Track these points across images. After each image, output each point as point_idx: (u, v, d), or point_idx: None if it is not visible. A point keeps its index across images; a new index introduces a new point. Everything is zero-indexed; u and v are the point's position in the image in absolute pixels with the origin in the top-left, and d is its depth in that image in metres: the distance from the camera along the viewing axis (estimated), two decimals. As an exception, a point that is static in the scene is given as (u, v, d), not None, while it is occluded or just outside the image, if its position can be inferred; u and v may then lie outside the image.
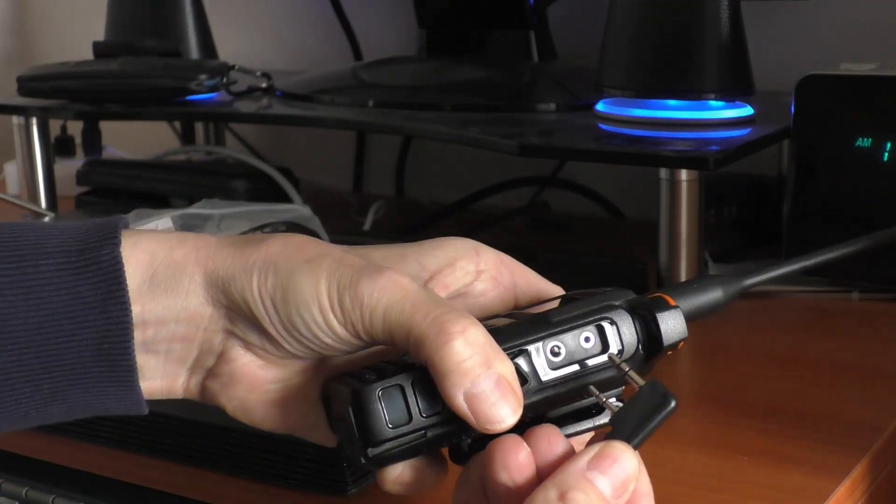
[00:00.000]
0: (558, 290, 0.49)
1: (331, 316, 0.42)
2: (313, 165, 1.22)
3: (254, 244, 0.44)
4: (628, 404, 0.42)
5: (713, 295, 0.48)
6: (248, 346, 0.45)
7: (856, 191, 0.78)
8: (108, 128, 1.20)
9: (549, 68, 1.03)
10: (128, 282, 0.43)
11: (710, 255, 0.83)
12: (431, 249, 0.47)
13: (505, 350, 0.42)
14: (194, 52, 1.14)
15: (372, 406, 0.41)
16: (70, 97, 1.01)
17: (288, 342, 0.44)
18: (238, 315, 0.44)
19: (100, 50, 1.06)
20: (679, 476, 0.55)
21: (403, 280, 0.42)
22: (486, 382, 0.40)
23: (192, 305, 0.44)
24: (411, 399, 0.42)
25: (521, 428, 0.42)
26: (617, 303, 0.44)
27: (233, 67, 1.02)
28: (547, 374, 0.43)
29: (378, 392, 0.41)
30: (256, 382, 0.45)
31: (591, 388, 0.44)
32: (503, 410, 0.41)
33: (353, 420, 0.42)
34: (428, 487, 0.44)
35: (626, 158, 0.80)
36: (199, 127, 1.28)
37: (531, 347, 0.43)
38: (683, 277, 0.76)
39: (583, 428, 0.46)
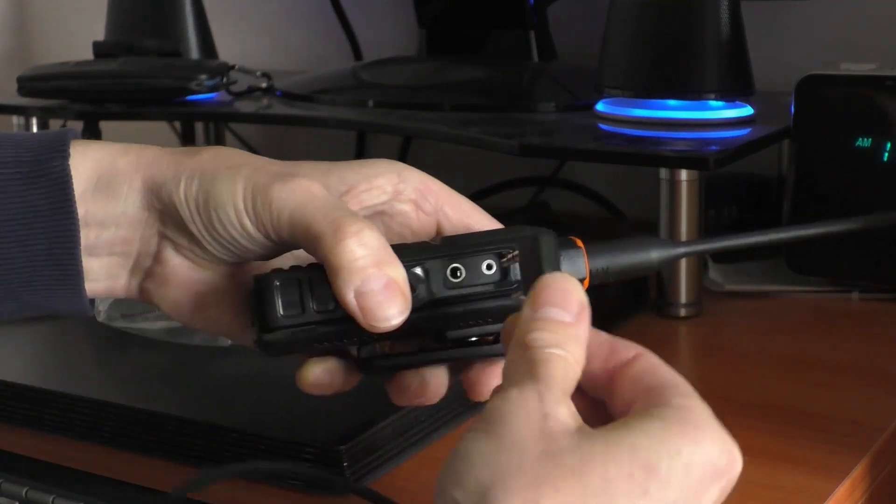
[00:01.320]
0: (493, 224, 0.50)
1: (245, 217, 0.46)
2: (313, 165, 1.22)
3: (189, 154, 0.48)
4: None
5: (643, 255, 0.48)
6: (178, 248, 0.48)
7: (856, 191, 0.78)
8: (108, 128, 1.20)
9: (549, 68, 1.03)
10: (75, 190, 0.46)
11: (710, 255, 0.83)
12: (357, 166, 0.49)
13: (403, 262, 0.44)
14: (194, 52, 1.14)
15: (268, 294, 0.45)
16: (70, 97, 1.01)
17: (210, 244, 0.47)
18: (169, 218, 0.47)
19: (100, 50, 1.06)
20: (679, 476, 0.55)
21: (313, 186, 0.45)
22: (375, 282, 0.43)
23: (131, 210, 0.47)
24: (306, 293, 0.45)
25: (418, 343, 0.46)
26: (524, 234, 0.46)
27: (233, 67, 1.02)
28: (442, 292, 0.45)
29: (275, 282, 0.45)
30: (187, 283, 0.49)
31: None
32: (390, 310, 0.43)
33: (254, 306, 0.45)
34: (340, 389, 0.48)
35: (626, 158, 0.80)
36: (199, 127, 1.28)
37: (429, 264, 0.45)
38: (683, 277, 0.76)
39: (478, 352, 0.47)
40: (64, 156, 0.46)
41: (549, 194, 1.12)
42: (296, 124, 1.02)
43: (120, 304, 0.70)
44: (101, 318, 0.70)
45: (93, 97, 1.00)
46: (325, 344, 0.46)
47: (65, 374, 0.65)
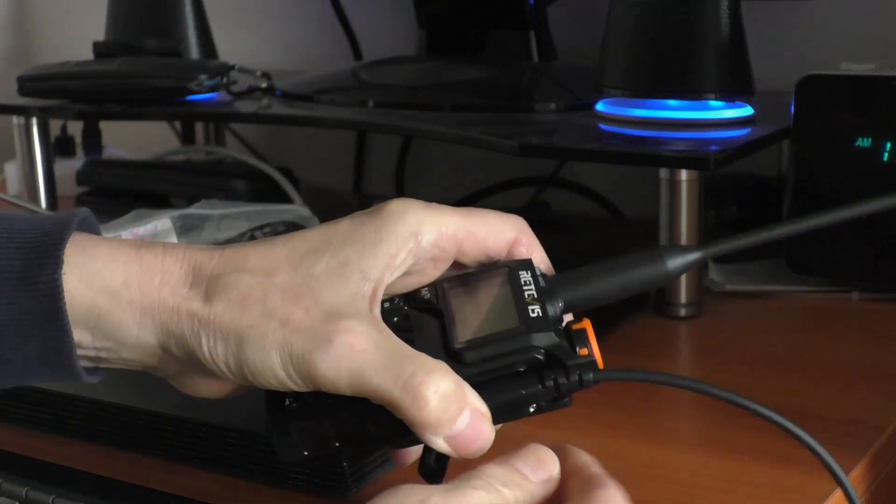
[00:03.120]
0: (505, 242, 0.48)
1: (290, 383, 0.44)
2: (313, 165, 1.22)
3: (197, 298, 0.44)
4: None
5: (658, 268, 0.48)
6: (200, 374, 0.47)
7: (856, 191, 0.78)
8: (108, 128, 1.20)
9: (549, 68, 1.03)
10: (73, 314, 0.44)
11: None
12: (372, 248, 0.45)
13: None
14: (194, 52, 1.14)
15: (286, 441, 0.46)
16: (70, 97, 1.01)
17: (244, 384, 0.46)
18: (192, 361, 0.46)
19: (100, 50, 1.06)
20: (679, 476, 0.55)
21: (356, 340, 0.43)
22: (462, 423, 0.43)
23: (143, 345, 0.45)
24: (330, 434, 0.46)
25: None
26: (540, 356, 0.45)
27: (233, 67, 1.02)
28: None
29: (295, 435, 0.46)
30: (206, 388, 0.49)
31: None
32: (480, 441, 0.43)
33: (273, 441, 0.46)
34: None
35: (626, 158, 0.80)
36: (199, 127, 1.28)
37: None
38: (684, 277, 0.76)
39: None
40: (56, 263, 0.43)
41: (549, 194, 1.12)
42: (296, 124, 1.02)
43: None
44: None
45: (93, 97, 1.00)
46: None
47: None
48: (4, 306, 0.43)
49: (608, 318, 0.72)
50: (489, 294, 0.47)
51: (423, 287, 0.48)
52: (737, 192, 0.91)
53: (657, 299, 0.77)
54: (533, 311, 0.45)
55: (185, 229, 0.82)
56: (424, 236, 0.46)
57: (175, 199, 1.00)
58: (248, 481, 0.55)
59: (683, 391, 0.66)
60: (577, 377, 0.44)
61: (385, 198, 0.49)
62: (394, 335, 0.44)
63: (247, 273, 0.44)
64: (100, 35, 1.14)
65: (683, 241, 0.75)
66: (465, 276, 0.48)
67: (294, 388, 0.44)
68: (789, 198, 0.81)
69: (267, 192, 0.99)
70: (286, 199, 0.99)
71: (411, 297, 0.47)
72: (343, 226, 0.46)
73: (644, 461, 0.56)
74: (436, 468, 0.45)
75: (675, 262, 0.48)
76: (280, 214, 0.85)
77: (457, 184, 1.15)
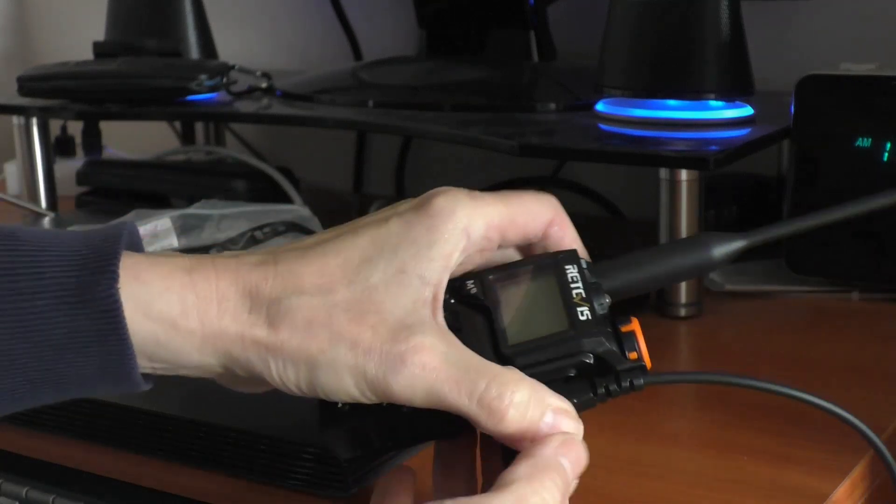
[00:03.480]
0: (543, 223, 0.48)
1: (363, 399, 0.44)
2: (313, 165, 1.22)
3: (260, 325, 0.44)
4: None
5: (704, 254, 0.48)
6: (260, 383, 0.46)
7: (856, 191, 0.78)
8: (108, 128, 1.20)
9: (549, 68, 1.03)
10: (134, 340, 0.43)
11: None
12: (427, 251, 0.44)
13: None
14: (194, 52, 1.14)
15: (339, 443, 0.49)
16: (70, 97, 1.01)
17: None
18: (256, 379, 0.46)
19: (100, 50, 1.06)
20: (679, 476, 0.55)
21: (427, 359, 0.43)
22: (545, 426, 0.43)
23: (205, 367, 0.45)
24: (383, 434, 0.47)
25: None
26: (590, 361, 0.45)
27: (233, 67, 1.02)
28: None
29: (347, 435, 0.47)
30: (260, 389, 0.48)
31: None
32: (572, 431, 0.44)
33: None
34: None
35: (626, 158, 0.80)
36: (199, 127, 1.28)
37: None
38: (683, 277, 0.76)
39: None
40: (112, 278, 0.43)
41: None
42: (296, 124, 1.02)
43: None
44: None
45: (93, 97, 1.00)
46: None
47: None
48: (63, 324, 0.42)
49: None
50: (536, 291, 0.46)
51: (469, 280, 0.47)
52: (737, 192, 0.91)
53: (657, 299, 0.77)
54: (582, 312, 0.45)
55: (185, 229, 0.82)
56: (475, 231, 0.45)
57: (175, 199, 1.00)
58: (248, 481, 0.55)
59: (683, 391, 0.66)
60: (628, 383, 0.44)
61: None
62: (461, 344, 0.44)
63: (306, 295, 0.44)
64: (100, 35, 1.14)
65: (683, 241, 0.75)
66: (511, 269, 0.47)
67: (366, 402, 0.44)
68: (789, 198, 0.81)
69: (267, 192, 0.99)
70: (286, 199, 0.99)
71: (457, 292, 0.47)
72: (393, 228, 0.45)
73: (644, 461, 0.56)
74: None
75: (720, 250, 0.48)
76: (280, 214, 0.85)
77: (457, 184, 1.15)
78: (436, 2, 1.07)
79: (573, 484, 0.43)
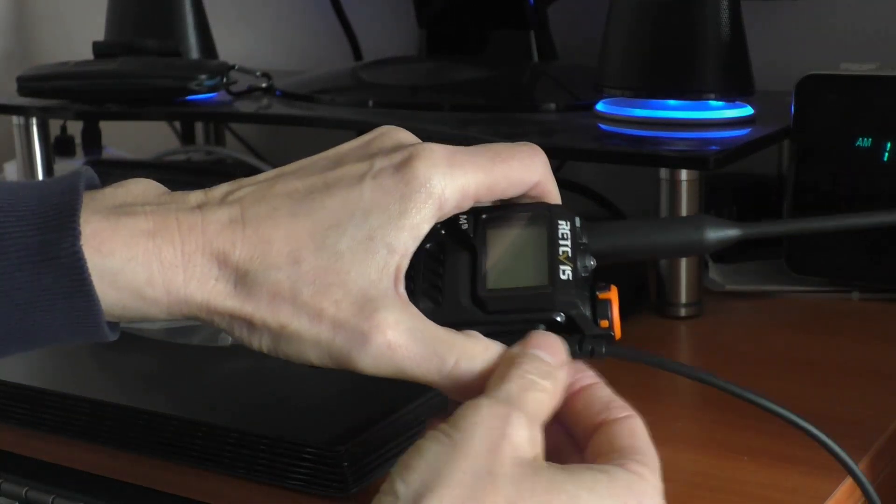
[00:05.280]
0: (521, 192, 0.47)
1: (328, 367, 0.44)
2: (313, 165, 1.22)
3: (226, 294, 0.44)
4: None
5: (696, 235, 0.48)
6: None
7: (856, 191, 0.78)
8: (108, 128, 1.20)
9: (549, 68, 1.03)
10: (101, 297, 0.43)
11: (710, 255, 0.83)
12: (397, 220, 0.44)
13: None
14: (194, 52, 1.14)
15: None
16: (70, 97, 1.01)
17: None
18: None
19: (100, 50, 1.06)
20: (679, 476, 0.55)
21: (391, 337, 0.43)
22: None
23: (174, 321, 0.45)
24: None
25: None
26: (560, 319, 0.45)
27: (233, 67, 1.02)
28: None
29: None
30: None
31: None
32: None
33: None
34: None
35: (626, 158, 0.80)
36: (199, 127, 1.28)
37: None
38: (684, 277, 0.76)
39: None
40: (74, 235, 0.42)
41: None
42: (296, 124, 1.02)
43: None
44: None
45: (93, 97, 1.00)
46: None
47: (64, 374, 0.65)
48: (28, 284, 0.42)
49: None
50: (525, 240, 0.46)
51: (462, 214, 0.46)
52: (737, 192, 0.91)
53: (657, 299, 0.77)
54: (564, 272, 0.45)
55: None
56: (447, 203, 0.45)
57: (175, 199, 1.00)
58: (248, 481, 0.55)
59: (683, 391, 0.66)
60: (589, 349, 0.44)
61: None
62: (423, 316, 0.44)
63: (273, 269, 0.43)
64: (100, 35, 1.14)
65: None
66: (505, 212, 0.47)
67: (330, 368, 0.44)
68: (789, 198, 0.81)
69: (267, 192, 0.99)
70: (286, 199, 0.99)
71: (449, 224, 0.46)
72: (367, 192, 0.44)
73: (644, 461, 0.56)
74: None
75: (713, 234, 0.47)
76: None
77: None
78: (436, 2, 1.07)
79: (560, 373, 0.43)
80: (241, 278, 0.43)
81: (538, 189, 0.47)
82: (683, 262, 0.76)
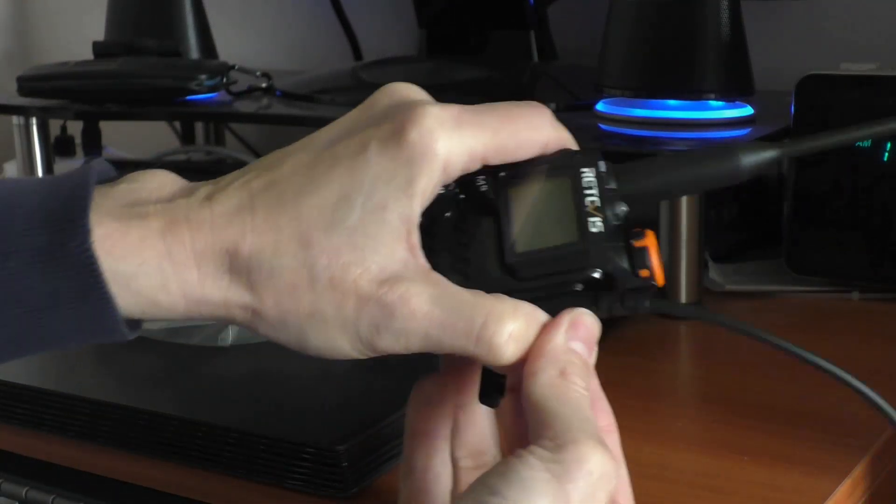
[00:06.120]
0: (531, 153, 0.45)
1: (358, 356, 0.43)
2: (313, 165, 1.22)
3: (242, 290, 0.42)
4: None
5: (730, 164, 0.45)
6: None
7: (856, 191, 0.78)
8: (108, 128, 1.20)
9: (549, 68, 1.03)
10: (120, 306, 0.41)
11: (710, 255, 0.83)
12: (405, 188, 0.42)
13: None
14: (194, 52, 1.14)
15: None
16: (70, 97, 1.01)
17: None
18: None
19: (100, 50, 1.06)
20: (679, 476, 0.55)
21: (416, 306, 0.41)
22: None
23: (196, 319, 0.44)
24: None
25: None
26: (597, 276, 0.42)
27: (233, 67, 1.02)
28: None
29: None
30: None
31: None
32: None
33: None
34: None
35: (626, 158, 0.79)
36: (199, 127, 1.28)
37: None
38: (683, 278, 0.76)
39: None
40: (85, 233, 0.40)
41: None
42: (296, 124, 1.02)
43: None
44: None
45: (93, 97, 1.00)
46: None
47: (64, 374, 0.65)
48: (39, 286, 0.41)
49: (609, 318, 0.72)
50: (549, 195, 0.44)
51: (480, 175, 0.44)
52: (737, 192, 0.91)
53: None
54: (594, 223, 0.42)
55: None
56: (453, 166, 0.43)
57: (175, 199, 1.00)
58: (248, 481, 0.55)
59: (683, 391, 0.66)
60: (633, 303, 0.42)
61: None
62: (446, 281, 0.42)
63: (287, 256, 0.42)
64: (100, 35, 1.14)
65: (683, 241, 0.75)
66: (524, 168, 0.44)
67: (362, 358, 0.43)
68: (789, 198, 0.81)
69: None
70: (286, 199, 0.99)
71: (467, 185, 0.44)
72: (372, 157, 0.42)
73: (644, 461, 0.56)
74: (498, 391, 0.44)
75: (748, 159, 0.45)
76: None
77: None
78: (436, 2, 1.07)
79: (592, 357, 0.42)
80: (255, 270, 0.42)
81: (549, 148, 0.45)
82: (683, 262, 0.76)
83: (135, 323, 0.43)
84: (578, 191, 0.43)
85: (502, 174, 0.44)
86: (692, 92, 0.81)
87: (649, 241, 0.42)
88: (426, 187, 0.42)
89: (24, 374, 0.63)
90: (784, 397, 0.63)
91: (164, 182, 0.44)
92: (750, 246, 0.89)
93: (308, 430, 0.55)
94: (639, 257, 0.42)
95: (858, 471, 0.54)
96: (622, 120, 0.84)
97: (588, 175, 0.44)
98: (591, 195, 0.43)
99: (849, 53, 0.88)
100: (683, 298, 0.76)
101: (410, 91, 0.45)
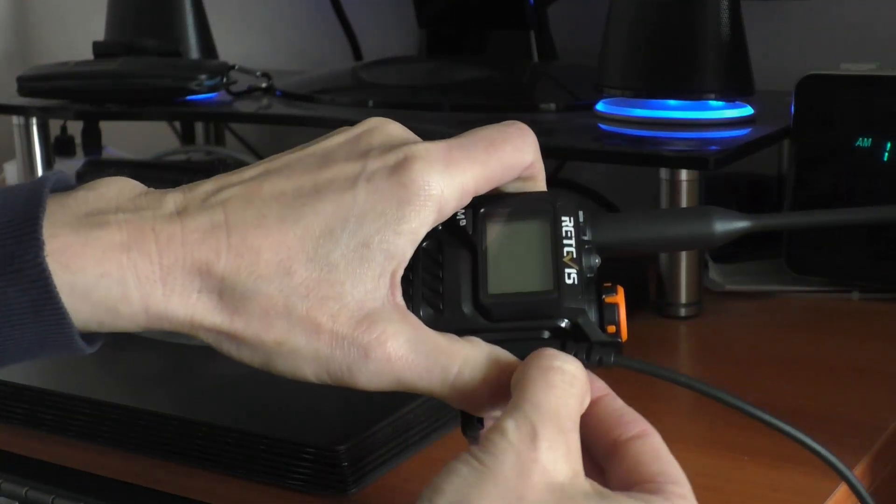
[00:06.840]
0: (515, 177, 0.46)
1: (322, 383, 0.42)
2: (313, 165, 1.22)
3: (212, 310, 0.41)
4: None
5: (704, 227, 0.46)
6: None
7: (856, 191, 0.78)
8: (108, 128, 1.20)
9: (549, 68, 1.03)
10: (76, 320, 0.40)
11: (710, 255, 0.83)
12: (395, 225, 0.42)
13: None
14: (194, 52, 1.14)
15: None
16: (70, 97, 1.01)
17: None
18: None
19: (100, 50, 1.06)
20: (679, 476, 0.55)
21: (391, 349, 0.41)
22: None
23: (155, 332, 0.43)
24: None
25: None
26: (566, 326, 0.43)
27: (233, 67, 1.02)
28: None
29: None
30: None
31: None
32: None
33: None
34: None
35: (626, 158, 0.80)
36: (199, 127, 1.28)
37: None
38: (684, 278, 0.76)
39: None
40: (37, 246, 0.39)
41: (549, 194, 1.11)
42: (296, 124, 1.02)
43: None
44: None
45: (93, 97, 1.00)
46: None
47: (64, 374, 0.65)
48: None
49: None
50: (527, 239, 0.44)
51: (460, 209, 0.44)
52: (737, 192, 0.91)
53: (657, 299, 0.77)
54: (569, 275, 0.43)
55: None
56: (447, 205, 0.42)
57: (175, 199, 1.00)
58: (248, 481, 0.55)
59: (683, 392, 0.66)
60: (597, 358, 0.43)
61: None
62: (421, 324, 0.42)
63: (263, 280, 0.41)
64: (100, 35, 1.14)
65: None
66: (504, 205, 0.45)
67: (324, 383, 0.43)
68: (789, 198, 0.81)
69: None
70: (286, 199, 0.99)
71: (447, 220, 0.44)
72: (360, 195, 0.41)
73: (644, 461, 0.56)
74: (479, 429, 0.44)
75: (723, 226, 0.46)
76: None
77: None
78: (436, 2, 1.07)
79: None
80: (228, 291, 0.41)
81: (530, 170, 0.45)
82: (683, 262, 0.76)
83: (93, 337, 0.43)
84: (557, 239, 0.44)
85: (482, 209, 0.45)
86: (692, 92, 0.81)
87: (619, 299, 0.44)
88: (416, 227, 0.42)
89: (23, 373, 0.63)
90: (784, 397, 0.63)
91: (122, 189, 0.43)
92: (750, 246, 0.89)
93: (308, 430, 0.55)
94: (609, 313, 0.43)
95: (858, 471, 0.55)
96: (622, 120, 0.84)
97: (567, 224, 0.44)
98: (569, 245, 0.44)
99: (849, 53, 0.88)
100: (683, 298, 0.76)
101: (395, 129, 0.45)
